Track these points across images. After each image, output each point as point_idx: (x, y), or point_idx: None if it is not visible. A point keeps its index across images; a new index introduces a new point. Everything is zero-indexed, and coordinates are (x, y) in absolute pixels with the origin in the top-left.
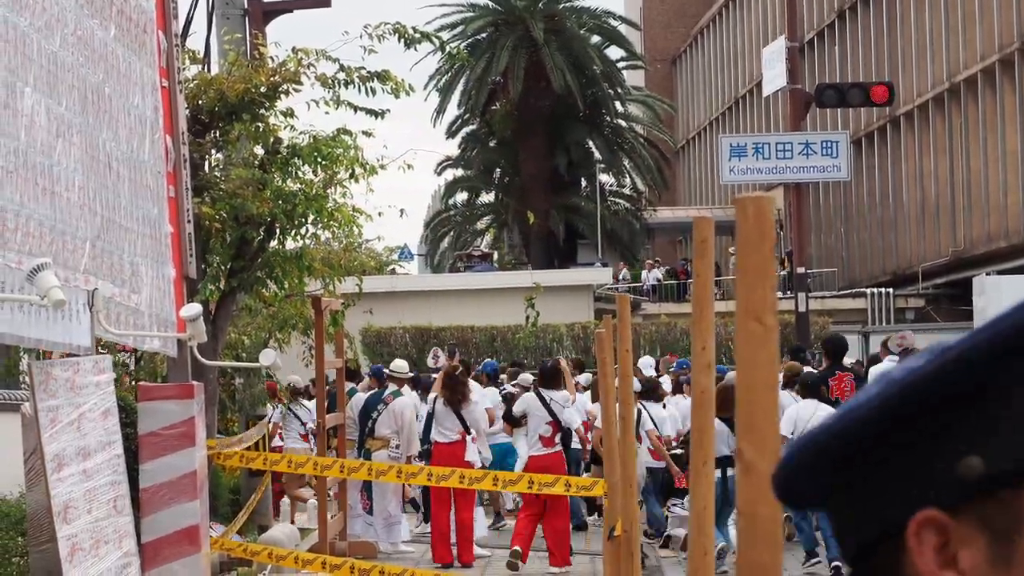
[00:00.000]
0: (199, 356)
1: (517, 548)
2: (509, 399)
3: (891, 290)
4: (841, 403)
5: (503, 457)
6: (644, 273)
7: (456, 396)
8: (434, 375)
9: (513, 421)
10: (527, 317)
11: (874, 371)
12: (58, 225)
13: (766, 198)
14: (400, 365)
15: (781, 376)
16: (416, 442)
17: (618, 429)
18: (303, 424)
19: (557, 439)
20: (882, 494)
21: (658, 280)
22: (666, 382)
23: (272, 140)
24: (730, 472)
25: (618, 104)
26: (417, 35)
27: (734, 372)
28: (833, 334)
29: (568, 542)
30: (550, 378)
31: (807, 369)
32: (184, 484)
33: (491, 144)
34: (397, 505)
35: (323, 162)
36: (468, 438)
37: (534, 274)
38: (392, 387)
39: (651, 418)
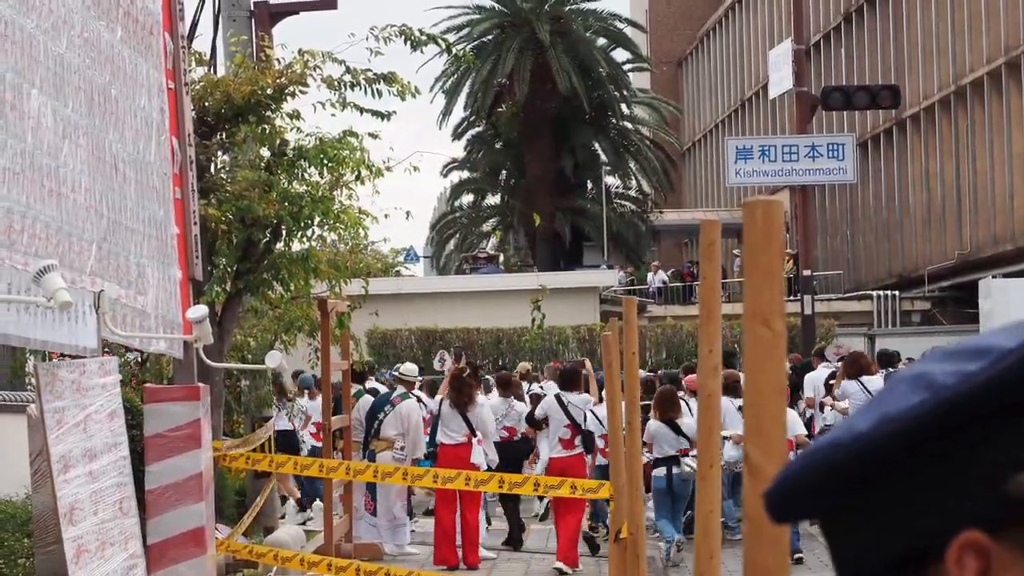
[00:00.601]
0: (205, 358)
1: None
2: (534, 400)
3: (897, 293)
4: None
5: None
6: (649, 275)
7: (462, 398)
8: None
9: (535, 424)
10: (533, 320)
11: (810, 377)
12: (64, 227)
13: (775, 202)
14: (409, 368)
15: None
16: (422, 445)
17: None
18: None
19: (577, 441)
20: (912, 510)
21: (664, 283)
22: None
23: (278, 142)
24: (675, 470)
25: (624, 106)
26: (423, 37)
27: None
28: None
29: (577, 542)
30: (569, 381)
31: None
32: (190, 486)
33: (497, 146)
34: (402, 507)
35: (329, 164)
36: (474, 440)
37: (540, 276)
38: (400, 389)
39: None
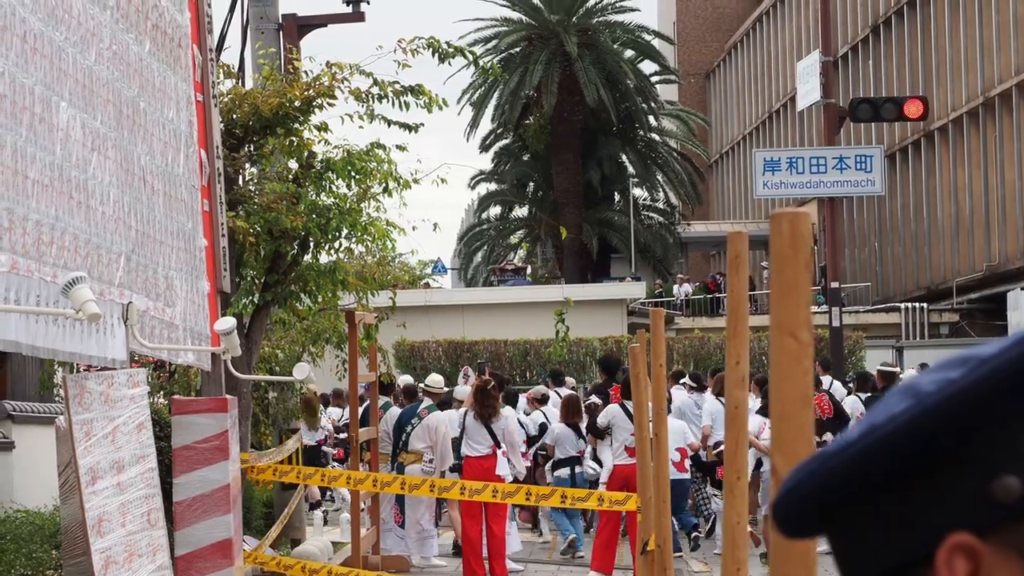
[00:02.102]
0: (233, 370)
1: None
2: (593, 410)
3: (925, 305)
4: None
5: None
6: (676, 288)
7: (486, 410)
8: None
9: (598, 433)
10: (557, 332)
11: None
12: (93, 239)
13: (802, 214)
14: (435, 380)
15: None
16: (450, 457)
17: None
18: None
19: None
20: (906, 517)
21: (687, 295)
22: None
23: (306, 154)
24: (578, 469)
25: (651, 118)
26: (451, 49)
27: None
28: (606, 353)
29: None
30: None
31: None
32: (218, 497)
33: (524, 158)
34: (430, 519)
35: (357, 176)
36: (499, 452)
37: (565, 288)
38: (427, 401)
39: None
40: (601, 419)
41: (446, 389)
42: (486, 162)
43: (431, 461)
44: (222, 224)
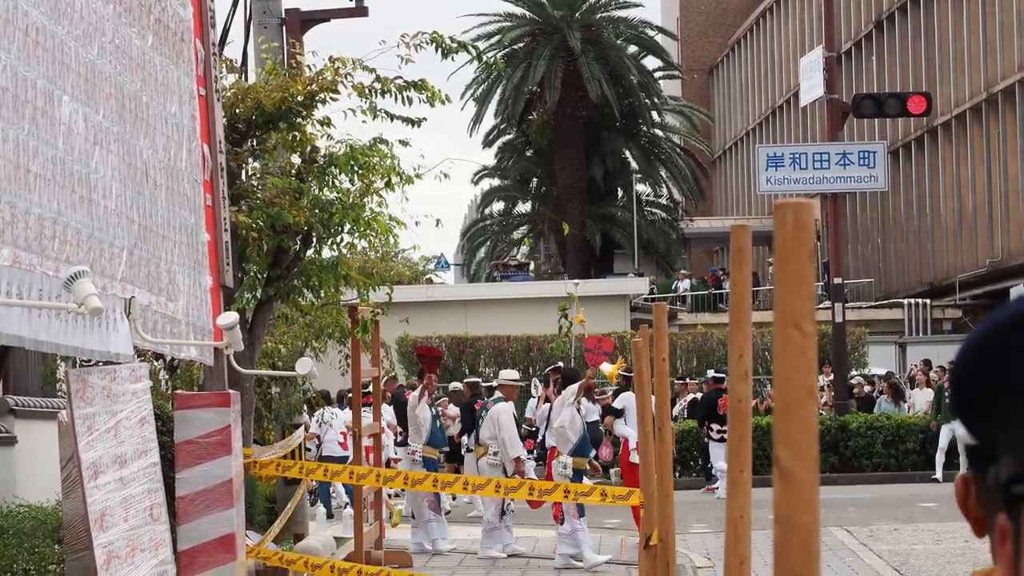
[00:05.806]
0: (235, 365)
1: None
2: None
3: (928, 301)
4: None
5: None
6: (676, 283)
7: None
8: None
9: (616, 413)
10: (560, 327)
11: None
12: (96, 233)
13: (806, 204)
14: (508, 374)
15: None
16: (515, 446)
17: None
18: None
19: None
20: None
21: (686, 291)
22: None
23: (309, 149)
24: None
25: (655, 114)
26: (454, 45)
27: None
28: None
29: None
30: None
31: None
32: (220, 492)
33: (527, 154)
34: (495, 512)
35: (359, 171)
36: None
37: (568, 283)
38: (497, 394)
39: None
40: (618, 403)
41: (517, 382)
42: (489, 157)
43: (495, 454)
44: (225, 219)
